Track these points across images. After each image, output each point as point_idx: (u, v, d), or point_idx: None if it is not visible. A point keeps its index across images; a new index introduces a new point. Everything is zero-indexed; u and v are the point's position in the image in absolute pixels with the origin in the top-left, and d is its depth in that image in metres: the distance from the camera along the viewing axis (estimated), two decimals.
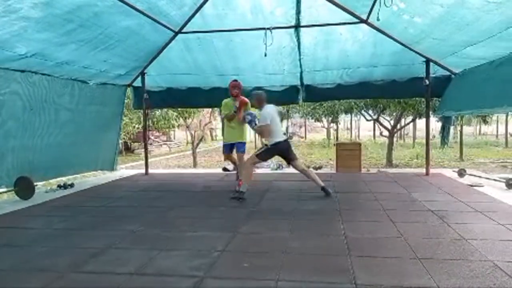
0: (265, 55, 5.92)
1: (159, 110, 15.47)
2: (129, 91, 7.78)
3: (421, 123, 15.55)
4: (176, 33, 6.10)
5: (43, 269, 2.75)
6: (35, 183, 5.38)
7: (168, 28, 5.81)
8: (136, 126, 16.31)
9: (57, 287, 2.47)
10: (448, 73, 6.49)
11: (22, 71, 5.02)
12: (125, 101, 7.92)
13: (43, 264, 2.84)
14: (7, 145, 5.18)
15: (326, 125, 25.03)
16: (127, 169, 9.94)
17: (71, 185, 6.18)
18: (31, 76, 5.22)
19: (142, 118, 8.55)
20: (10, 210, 4.63)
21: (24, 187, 5.30)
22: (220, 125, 20.86)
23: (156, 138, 22.80)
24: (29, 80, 5.22)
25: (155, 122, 16.85)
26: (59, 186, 6.11)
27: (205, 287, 2.42)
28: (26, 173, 5.35)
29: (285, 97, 7.51)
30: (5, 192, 5.93)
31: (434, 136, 17.10)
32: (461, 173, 6.38)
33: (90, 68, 5.81)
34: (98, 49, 5.33)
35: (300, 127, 33.54)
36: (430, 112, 6.96)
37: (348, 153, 7.58)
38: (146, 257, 2.92)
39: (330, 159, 14.48)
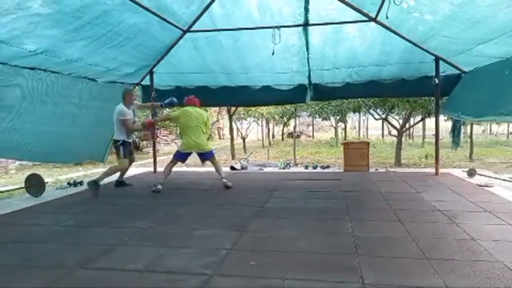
0: (273, 53, 5.92)
1: (167, 109, 15.53)
2: (137, 89, 7.82)
3: (430, 122, 15.39)
4: (185, 32, 6.13)
5: (52, 265, 2.78)
6: (43, 178, 5.44)
7: (176, 27, 5.84)
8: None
9: (65, 284, 2.50)
10: (458, 71, 6.42)
11: (32, 68, 5.06)
12: None
13: (52, 261, 2.88)
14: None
15: (334, 124, 24.92)
16: (136, 167, 10.00)
17: (81, 183, 6.25)
18: (39, 73, 5.24)
19: (150, 117, 8.60)
20: (21, 207, 4.69)
21: (34, 184, 5.38)
22: (227, 124, 20.90)
23: (164, 136, 22.92)
24: (36, 76, 5.22)
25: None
26: (69, 184, 6.19)
27: (214, 285, 2.43)
28: (13, 149, 5.29)
29: (293, 96, 7.49)
30: (17, 189, 6.03)
31: (444, 137, 16.95)
32: (471, 173, 6.31)
33: (99, 65, 5.84)
34: (107, 47, 5.36)
35: (308, 126, 33.47)
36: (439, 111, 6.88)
37: (356, 152, 7.53)
38: (155, 255, 2.94)
39: (338, 158, 14.42)
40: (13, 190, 6.07)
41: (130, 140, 5.78)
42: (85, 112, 6.40)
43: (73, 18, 4.41)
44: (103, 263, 2.82)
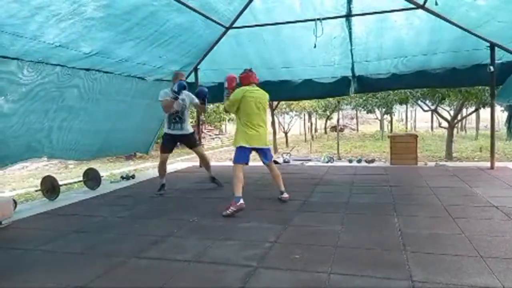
0: (315, 46, 5.84)
1: (211, 105, 15.94)
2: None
3: (485, 113, 14.41)
4: (227, 29, 6.23)
5: (109, 254, 2.97)
6: (99, 172, 5.80)
7: (219, 24, 5.95)
8: (190, 120, 16.90)
9: (121, 271, 2.67)
10: None
11: (87, 69, 5.40)
12: None
13: (108, 250, 3.08)
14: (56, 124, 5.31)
15: (379, 117, 24.15)
16: (182, 161, 10.36)
17: (133, 177, 6.61)
18: (94, 74, 5.57)
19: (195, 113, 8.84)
20: (80, 199, 5.06)
21: (91, 178, 5.76)
22: (269, 118, 20.91)
23: (208, 132, 23.47)
24: (91, 77, 5.54)
25: (207, 116, 17.38)
26: (122, 178, 6.56)
27: (258, 277, 2.48)
28: (73, 149, 5.70)
29: (336, 89, 7.37)
30: (75, 182, 6.49)
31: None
32: None
33: (147, 64, 6.10)
34: (154, 46, 5.58)
35: (352, 119, 32.71)
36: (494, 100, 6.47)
37: (403, 145, 7.27)
38: (202, 246, 3.05)
39: (384, 152, 13.98)
40: (72, 183, 6.54)
41: (175, 132, 5.06)
42: (134, 109, 6.73)
43: (123, 20, 4.65)
44: (154, 253, 2.98)
